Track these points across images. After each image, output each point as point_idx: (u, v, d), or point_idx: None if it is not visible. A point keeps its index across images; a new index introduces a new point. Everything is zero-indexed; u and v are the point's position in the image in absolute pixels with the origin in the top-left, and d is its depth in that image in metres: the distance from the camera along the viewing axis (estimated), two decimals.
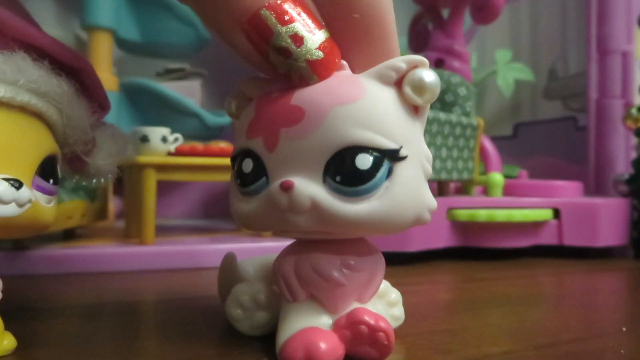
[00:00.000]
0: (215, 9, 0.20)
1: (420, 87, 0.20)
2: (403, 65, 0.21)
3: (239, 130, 0.22)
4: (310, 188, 0.19)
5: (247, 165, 0.21)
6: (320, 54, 0.20)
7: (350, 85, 0.20)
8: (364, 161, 0.19)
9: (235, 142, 0.23)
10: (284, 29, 0.19)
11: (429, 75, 0.20)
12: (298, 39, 0.19)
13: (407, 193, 0.20)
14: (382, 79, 0.21)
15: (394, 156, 0.20)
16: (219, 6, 0.19)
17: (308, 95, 0.20)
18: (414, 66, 0.21)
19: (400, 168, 0.20)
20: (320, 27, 0.20)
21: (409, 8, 0.73)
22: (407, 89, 0.20)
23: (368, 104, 0.20)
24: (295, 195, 0.19)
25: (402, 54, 0.22)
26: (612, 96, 0.70)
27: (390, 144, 0.20)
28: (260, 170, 0.21)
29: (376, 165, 0.19)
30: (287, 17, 0.19)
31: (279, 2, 0.19)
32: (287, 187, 0.19)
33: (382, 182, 0.20)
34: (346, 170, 0.19)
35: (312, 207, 0.19)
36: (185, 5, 0.21)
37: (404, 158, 0.20)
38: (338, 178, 0.19)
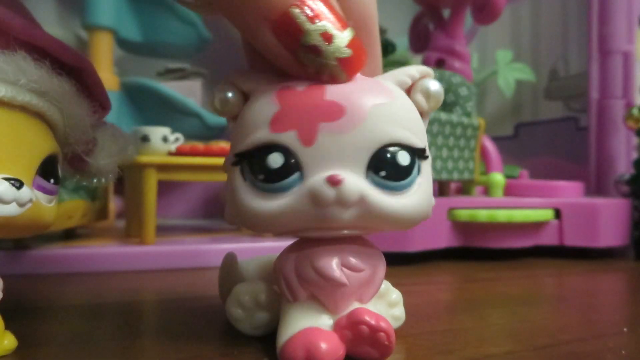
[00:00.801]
0: (243, 7, 0.20)
1: (427, 95, 0.22)
2: (416, 74, 0.23)
3: (251, 124, 0.21)
4: (358, 182, 0.20)
5: (276, 160, 0.20)
6: (349, 51, 0.20)
7: (381, 87, 0.21)
8: (405, 158, 0.21)
9: (242, 138, 0.21)
10: (313, 27, 0.19)
11: (434, 85, 0.23)
12: (328, 37, 0.20)
13: (429, 190, 0.22)
14: (400, 84, 0.22)
15: (422, 154, 0.21)
16: (246, 4, 0.19)
17: (345, 93, 0.20)
18: (424, 76, 0.23)
19: (425, 166, 0.22)
20: (345, 26, 0.20)
21: (410, 8, 0.73)
22: (419, 96, 0.22)
23: (399, 104, 0.21)
24: (345, 189, 0.19)
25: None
26: (613, 96, 0.70)
27: (420, 143, 0.21)
28: (293, 165, 0.20)
29: (412, 162, 0.21)
30: (315, 16, 0.19)
31: (307, 0, 0.19)
32: (336, 181, 0.19)
33: (416, 179, 0.21)
34: (390, 165, 0.20)
35: (359, 201, 0.20)
36: (201, 8, 0.21)
37: (427, 157, 0.22)
38: (383, 173, 0.20)
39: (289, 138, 0.20)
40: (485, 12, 0.62)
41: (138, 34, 0.68)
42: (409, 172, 0.21)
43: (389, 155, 0.20)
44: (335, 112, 0.20)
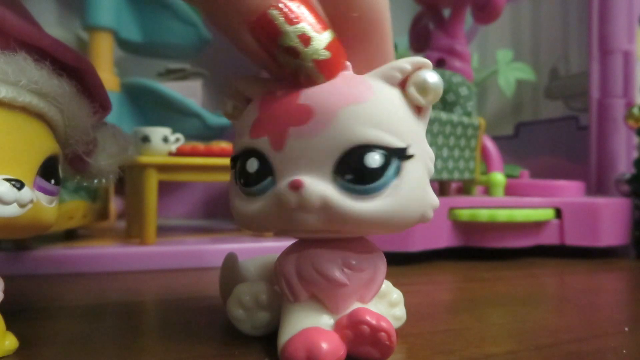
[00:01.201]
0: (223, 9, 0.20)
1: (424, 88, 0.21)
2: (408, 67, 0.21)
3: (241, 129, 0.22)
4: (321, 186, 0.19)
5: (252, 164, 0.21)
6: (328, 53, 0.20)
7: (358, 86, 0.20)
8: (374, 160, 0.19)
9: (235, 142, 0.23)
10: (291, 28, 0.19)
11: (432, 77, 0.21)
12: (305, 39, 0.19)
13: (414, 191, 0.21)
14: (388, 80, 0.21)
15: (402, 155, 0.20)
16: (226, 6, 0.20)
17: (316, 95, 0.20)
18: (418, 68, 0.21)
19: (408, 166, 0.20)
20: (326, 28, 0.20)
21: (410, 8, 0.73)
22: (412, 90, 0.21)
23: (376, 103, 0.20)
24: (305, 194, 0.19)
25: (403, 54, 0.22)
26: (614, 96, 0.70)
27: (398, 143, 0.20)
28: (266, 170, 0.21)
29: (385, 164, 0.20)
30: (294, 17, 0.19)
31: (286, 2, 0.19)
32: (297, 186, 0.19)
33: (391, 181, 0.20)
34: (356, 168, 0.20)
35: (322, 205, 0.19)
36: (190, 5, 0.21)
37: (411, 157, 0.20)
38: (348, 177, 0.20)
39: (262, 143, 0.20)
40: (485, 12, 0.62)
41: (138, 35, 0.68)
42: (380, 174, 0.20)
43: (355, 157, 0.19)
44: (304, 115, 0.20)
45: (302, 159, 0.20)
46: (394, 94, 0.21)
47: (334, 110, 0.20)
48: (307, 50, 0.20)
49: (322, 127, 0.19)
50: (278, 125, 0.20)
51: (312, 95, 0.20)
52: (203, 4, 0.20)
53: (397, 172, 0.20)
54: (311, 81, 0.20)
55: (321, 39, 0.20)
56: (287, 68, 0.20)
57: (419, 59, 0.21)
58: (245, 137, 0.21)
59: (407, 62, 0.21)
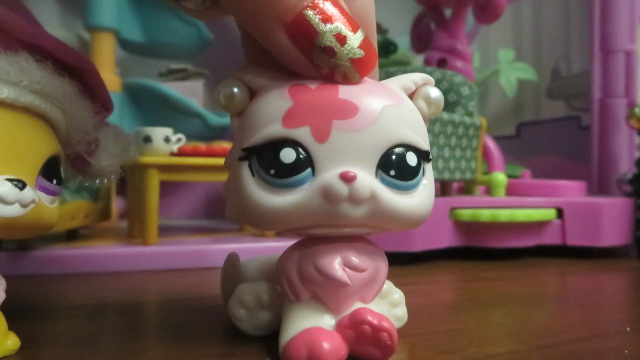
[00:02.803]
0: (258, 10, 0.20)
1: (429, 101, 0.23)
2: (419, 80, 0.23)
3: (260, 119, 0.21)
4: (370, 180, 0.20)
5: (289, 155, 0.20)
6: (362, 52, 0.20)
7: (389, 90, 0.22)
8: (413, 158, 0.21)
9: (249, 133, 0.21)
10: (327, 28, 0.20)
11: (435, 92, 0.23)
12: (341, 38, 0.20)
13: (432, 191, 0.23)
14: (404, 89, 0.23)
15: (426, 157, 0.22)
16: (261, 8, 0.20)
17: (357, 93, 0.21)
18: (425, 83, 0.23)
19: (428, 168, 0.22)
20: (357, 27, 0.20)
21: (411, 8, 0.73)
22: (420, 101, 0.23)
23: (407, 107, 0.22)
24: (358, 186, 0.19)
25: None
26: (616, 95, 0.70)
27: (425, 146, 0.22)
28: (306, 161, 0.20)
29: (419, 163, 0.21)
30: (330, 17, 0.20)
31: (321, 2, 0.20)
32: (350, 178, 0.19)
33: (422, 179, 0.22)
34: (399, 165, 0.21)
35: (371, 198, 0.20)
36: (225, 8, 0.21)
37: (431, 159, 0.23)
38: (392, 172, 0.21)
39: (302, 133, 0.20)
40: (487, 12, 0.63)
41: (140, 35, 0.68)
42: (416, 172, 0.21)
43: (398, 155, 0.21)
44: (348, 110, 0.20)
45: (347, 152, 0.20)
46: (411, 102, 0.23)
47: (377, 108, 0.20)
48: (344, 49, 0.20)
49: (367, 123, 0.20)
50: (321, 117, 0.20)
51: (352, 92, 0.21)
52: (236, 5, 0.20)
53: (424, 172, 0.22)
54: (347, 80, 0.21)
55: (356, 38, 0.20)
56: (324, 68, 0.20)
57: (426, 76, 0.24)
58: (274, 126, 0.20)
59: (419, 77, 0.23)
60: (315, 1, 0.20)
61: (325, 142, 0.20)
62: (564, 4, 0.85)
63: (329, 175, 0.20)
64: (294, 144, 0.20)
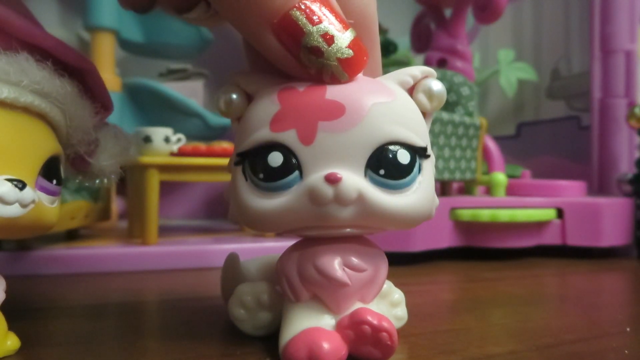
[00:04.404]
0: (245, 11, 0.20)
1: (430, 95, 0.22)
2: (418, 74, 0.22)
3: (252, 124, 0.21)
4: (357, 180, 0.20)
5: (276, 158, 0.20)
6: (351, 52, 0.20)
7: (382, 86, 0.21)
8: (405, 156, 0.21)
9: (243, 138, 0.22)
10: (314, 28, 0.20)
11: (437, 85, 0.22)
12: (329, 38, 0.20)
13: (430, 189, 0.22)
14: (401, 84, 0.22)
15: (423, 154, 0.21)
16: (248, 8, 0.20)
17: (345, 92, 0.20)
18: (425, 76, 0.23)
19: (426, 165, 0.22)
20: (347, 27, 0.20)
21: (411, 8, 0.73)
22: (421, 95, 0.22)
23: (400, 103, 0.21)
24: (343, 188, 0.19)
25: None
26: (616, 95, 0.70)
27: (420, 142, 0.21)
28: (293, 164, 0.20)
29: (412, 161, 0.21)
30: (316, 17, 0.20)
31: (308, 2, 0.20)
32: (335, 180, 0.19)
33: (417, 177, 0.21)
34: (389, 164, 0.20)
35: (358, 199, 0.20)
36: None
37: (429, 156, 0.22)
38: (382, 171, 0.20)
39: (288, 137, 0.20)
40: (487, 12, 0.62)
41: (140, 35, 0.68)
42: (408, 170, 0.21)
43: (388, 153, 0.20)
44: (334, 110, 0.20)
45: (334, 154, 0.20)
46: (408, 97, 0.22)
47: (365, 107, 0.20)
48: (331, 49, 0.20)
49: (354, 122, 0.20)
50: (306, 119, 0.20)
51: (340, 92, 0.20)
52: (225, 7, 0.20)
53: (420, 169, 0.21)
54: (335, 80, 0.21)
55: (344, 37, 0.20)
56: (311, 68, 0.20)
57: (427, 68, 0.23)
58: (263, 130, 0.20)
59: (417, 70, 0.22)
60: (303, 1, 0.20)
61: (311, 144, 0.20)
62: (564, 4, 0.85)
63: (314, 177, 0.20)
64: (281, 147, 0.20)
